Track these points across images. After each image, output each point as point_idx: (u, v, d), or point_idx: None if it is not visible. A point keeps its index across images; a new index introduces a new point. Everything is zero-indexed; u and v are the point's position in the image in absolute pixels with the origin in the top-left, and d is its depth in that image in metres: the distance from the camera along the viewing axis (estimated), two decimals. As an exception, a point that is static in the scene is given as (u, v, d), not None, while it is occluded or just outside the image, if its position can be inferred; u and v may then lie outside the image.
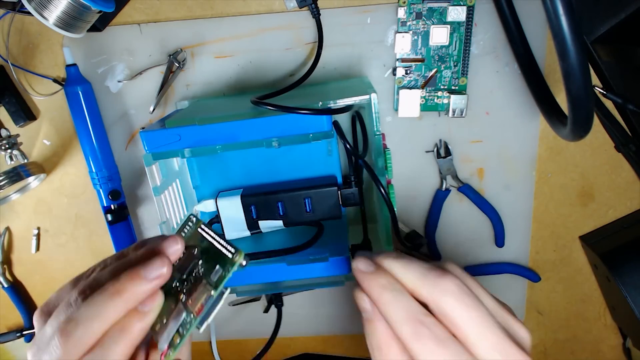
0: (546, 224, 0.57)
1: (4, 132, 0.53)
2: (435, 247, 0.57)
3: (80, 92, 0.51)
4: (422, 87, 0.51)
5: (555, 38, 0.30)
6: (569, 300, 0.60)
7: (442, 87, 0.51)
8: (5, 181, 0.52)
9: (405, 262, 0.30)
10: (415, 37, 0.50)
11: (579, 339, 0.62)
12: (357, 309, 0.31)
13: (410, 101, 0.51)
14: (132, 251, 0.31)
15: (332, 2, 0.49)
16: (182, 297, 0.30)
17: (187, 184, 0.51)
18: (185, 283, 0.30)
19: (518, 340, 0.28)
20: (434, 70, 0.51)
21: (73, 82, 0.51)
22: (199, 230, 0.32)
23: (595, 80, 0.50)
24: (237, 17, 0.50)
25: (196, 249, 0.31)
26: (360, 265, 0.31)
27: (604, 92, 0.47)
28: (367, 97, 0.40)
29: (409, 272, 0.29)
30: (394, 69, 0.51)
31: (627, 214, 0.56)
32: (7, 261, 0.61)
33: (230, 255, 0.29)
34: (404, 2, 0.48)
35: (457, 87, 0.51)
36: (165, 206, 0.44)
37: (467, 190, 0.54)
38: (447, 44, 0.50)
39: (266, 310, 0.60)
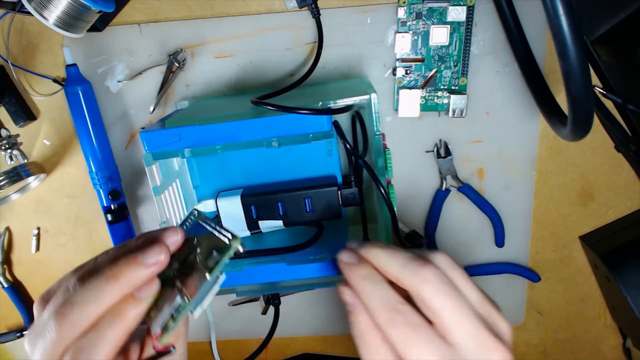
0: (546, 224, 0.57)
1: (4, 132, 0.53)
2: (435, 247, 0.57)
3: (80, 92, 0.51)
4: (422, 87, 0.51)
5: (555, 38, 0.30)
6: (569, 300, 0.60)
7: (442, 87, 0.51)
8: (5, 181, 0.52)
9: (389, 252, 0.31)
10: (415, 37, 0.50)
11: (579, 339, 0.62)
12: (343, 304, 0.32)
13: (410, 101, 0.51)
14: (133, 241, 0.32)
15: (332, 2, 0.49)
16: (178, 283, 0.30)
17: (187, 184, 0.51)
18: (183, 272, 0.30)
19: (497, 331, 0.29)
20: (434, 70, 0.51)
21: (73, 82, 0.51)
22: (200, 222, 0.32)
23: (595, 80, 0.50)
24: (237, 17, 0.50)
25: (196, 239, 0.31)
26: (344, 257, 0.33)
27: (604, 92, 0.47)
28: (367, 97, 0.40)
29: (392, 262, 0.31)
30: (394, 69, 0.51)
31: (627, 214, 0.56)
32: (7, 261, 0.61)
33: (227, 241, 0.29)
34: (404, 2, 0.48)
35: (457, 87, 0.51)
36: (165, 206, 0.44)
37: (467, 190, 0.54)
38: (447, 44, 0.50)
39: (264, 312, 0.60)
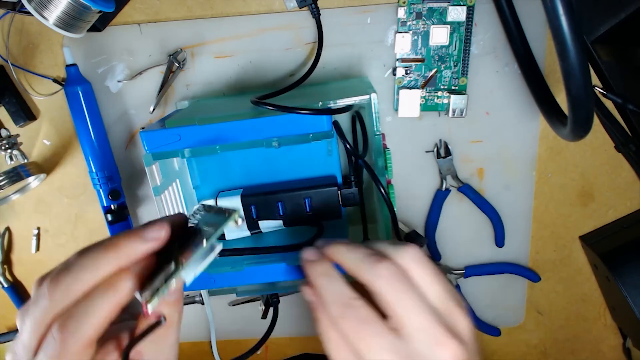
0: (546, 224, 0.57)
1: (4, 132, 0.53)
2: (435, 247, 0.57)
3: (80, 92, 0.51)
4: (422, 87, 0.51)
5: (555, 38, 0.31)
6: (569, 300, 0.60)
7: (442, 87, 0.51)
8: (5, 181, 0.52)
9: (349, 249, 0.32)
10: (415, 37, 0.50)
11: (579, 339, 0.62)
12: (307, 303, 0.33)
13: (410, 101, 0.51)
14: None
15: (332, 2, 0.49)
16: (176, 254, 0.30)
17: (187, 184, 0.51)
18: (181, 250, 0.30)
19: (454, 328, 0.29)
20: (434, 70, 0.51)
21: (73, 82, 0.51)
22: (204, 212, 0.32)
23: (595, 80, 0.50)
24: (237, 17, 0.50)
25: (198, 223, 0.31)
26: (306, 255, 0.34)
27: (604, 92, 0.47)
28: (367, 97, 0.40)
29: (350, 258, 0.31)
30: (394, 69, 0.51)
31: (627, 214, 0.56)
32: (7, 261, 0.61)
33: (225, 215, 0.30)
34: (404, 2, 0.48)
35: (457, 87, 0.51)
36: (165, 206, 0.44)
37: (467, 190, 0.54)
38: (447, 44, 0.50)
39: (264, 316, 0.60)
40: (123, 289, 0.27)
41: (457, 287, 0.59)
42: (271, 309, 0.58)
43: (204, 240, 0.29)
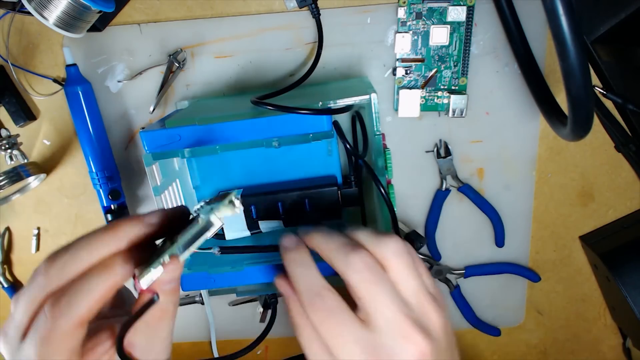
0: (546, 224, 0.57)
1: (4, 132, 0.53)
2: (435, 247, 0.57)
3: (80, 92, 0.51)
4: (422, 87, 0.51)
5: (555, 38, 0.31)
6: (569, 300, 0.60)
7: (442, 87, 0.51)
8: (5, 181, 0.52)
9: (325, 237, 0.32)
10: (415, 37, 0.50)
11: (579, 339, 0.62)
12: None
13: (410, 101, 0.51)
14: None
15: (332, 2, 0.49)
16: (173, 237, 0.30)
17: (187, 184, 0.51)
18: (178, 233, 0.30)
19: (423, 322, 0.29)
20: (434, 70, 0.51)
21: (73, 82, 0.51)
22: (206, 204, 0.32)
23: (595, 80, 0.50)
24: (237, 17, 0.50)
25: (198, 214, 0.31)
26: (284, 241, 0.34)
27: (604, 92, 0.47)
28: (367, 97, 0.40)
29: (326, 246, 0.31)
30: (394, 69, 0.51)
31: (627, 214, 0.56)
32: (7, 261, 0.61)
33: (224, 199, 0.30)
34: (404, 2, 0.48)
35: (457, 87, 0.51)
36: (165, 206, 0.44)
37: (467, 190, 0.54)
38: (447, 44, 0.50)
39: (262, 320, 0.60)
40: (118, 271, 0.27)
41: (457, 287, 0.59)
42: (269, 311, 0.58)
43: (200, 217, 0.29)
